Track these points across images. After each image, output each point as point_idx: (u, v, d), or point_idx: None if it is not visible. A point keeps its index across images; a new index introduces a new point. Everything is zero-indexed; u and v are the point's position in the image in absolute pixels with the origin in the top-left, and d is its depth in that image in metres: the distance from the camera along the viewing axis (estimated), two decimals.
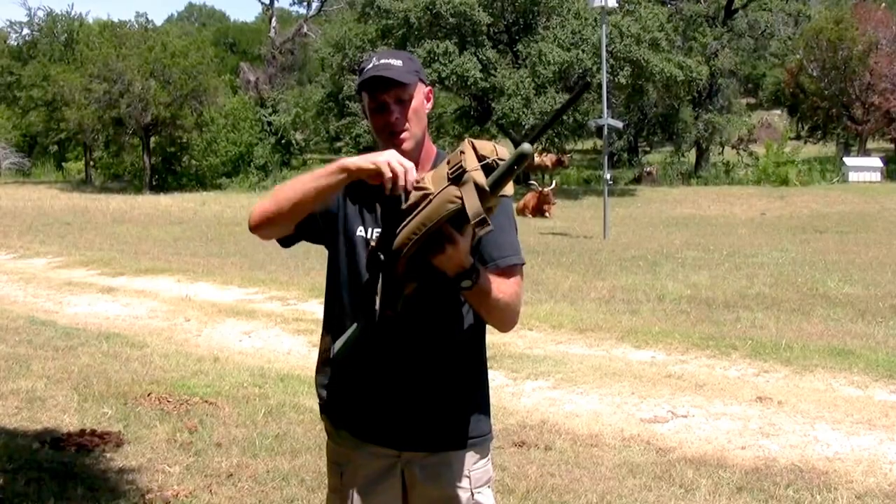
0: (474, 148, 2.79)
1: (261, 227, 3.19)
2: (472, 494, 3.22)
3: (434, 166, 3.11)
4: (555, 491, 5.82)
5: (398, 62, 3.10)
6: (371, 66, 3.11)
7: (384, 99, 3.10)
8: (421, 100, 3.16)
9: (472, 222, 2.72)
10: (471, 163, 2.76)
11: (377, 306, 2.96)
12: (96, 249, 19.88)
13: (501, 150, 2.80)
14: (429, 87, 3.22)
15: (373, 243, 3.00)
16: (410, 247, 2.80)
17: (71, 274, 16.29)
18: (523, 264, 3.13)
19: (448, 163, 2.79)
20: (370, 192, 3.10)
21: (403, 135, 3.14)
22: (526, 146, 2.70)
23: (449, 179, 2.76)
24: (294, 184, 3.14)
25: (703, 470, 6.12)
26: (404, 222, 2.82)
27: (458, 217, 2.74)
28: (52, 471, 6.11)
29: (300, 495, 5.78)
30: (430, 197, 2.78)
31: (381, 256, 2.90)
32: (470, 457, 3.23)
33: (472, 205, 2.72)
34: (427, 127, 3.22)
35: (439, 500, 3.22)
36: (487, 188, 2.73)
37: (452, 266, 2.82)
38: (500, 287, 2.99)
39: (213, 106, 46.83)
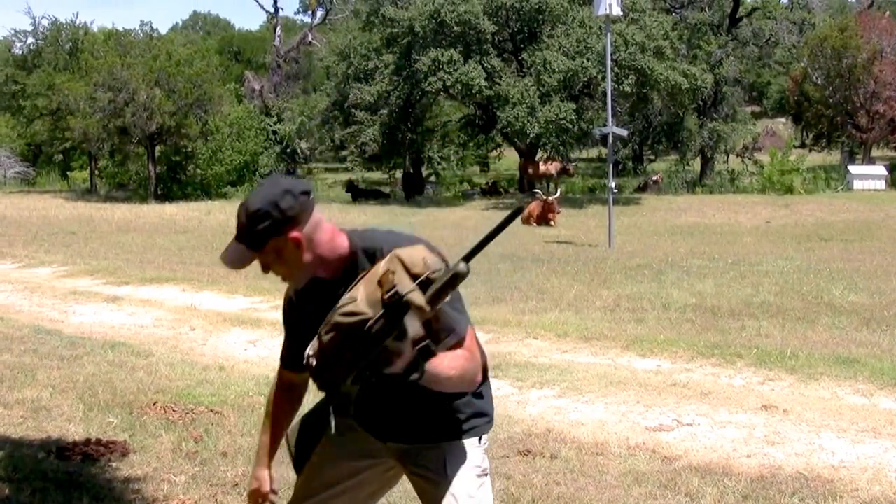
0: (404, 265, 2.82)
1: None
2: (461, 483, 3.31)
3: (352, 262, 3.20)
4: (560, 500, 5.82)
5: (234, 252, 3.13)
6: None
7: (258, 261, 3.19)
8: (286, 248, 3.12)
9: (416, 348, 2.80)
10: (405, 284, 2.80)
11: (332, 421, 3.20)
12: (101, 258, 19.91)
13: (431, 260, 2.85)
14: (294, 235, 3.11)
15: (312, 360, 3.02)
16: (355, 374, 2.87)
17: (76, 283, 16.30)
18: (464, 338, 3.13)
19: (380, 284, 2.83)
20: (309, 309, 3.25)
21: (287, 281, 3.31)
22: (461, 266, 2.77)
23: (384, 304, 2.80)
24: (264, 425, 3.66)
25: (709, 478, 6.11)
26: (341, 346, 2.88)
27: (400, 336, 2.78)
28: (57, 480, 6.11)
29: None
30: (370, 324, 2.81)
31: (323, 380, 2.98)
32: (460, 447, 3.34)
33: (416, 331, 2.79)
34: (321, 241, 3.19)
35: (429, 490, 3.34)
36: (427, 308, 2.78)
37: (398, 370, 2.84)
38: (450, 364, 3.02)
39: (218, 115, 46.89)
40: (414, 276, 2.80)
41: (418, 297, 2.77)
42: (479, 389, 3.36)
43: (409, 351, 2.80)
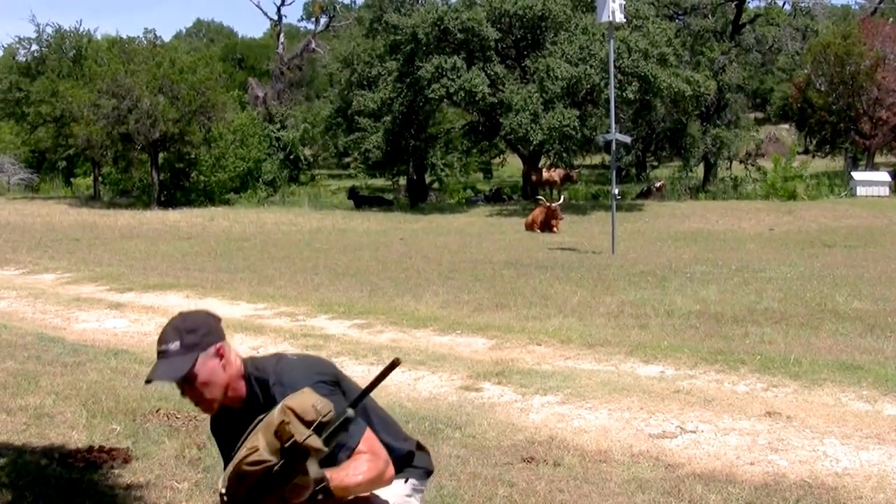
0: (296, 414, 3.10)
1: None
2: None
3: (248, 396, 3.56)
4: None
5: (174, 346, 3.43)
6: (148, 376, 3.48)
7: (177, 385, 3.47)
8: (210, 368, 3.47)
9: (316, 487, 3.14)
10: (301, 432, 3.08)
11: None
12: (105, 265, 19.91)
13: (321, 405, 3.13)
14: (219, 345, 3.53)
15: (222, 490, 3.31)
16: None
17: (79, 290, 16.31)
18: (357, 446, 3.39)
19: (277, 434, 3.09)
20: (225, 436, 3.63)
21: (205, 406, 3.55)
22: (349, 412, 3.17)
23: (284, 452, 3.09)
24: None
25: (713, 486, 6.10)
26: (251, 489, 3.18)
27: (302, 474, 3.14)
28: (60, 487, 6.11)
29: None
30: (275, 469, 3.11)
31: None
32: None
33: (316, 473, 3.13)
34: (231, 372, 3.60)
35: None
36: (325, 449, 3.13)
37: (304, 499, 3.16)
38: (355, 473, 3.29)
39: (222, 122, 46.92)
40: (307, 423, 3.08)
41: (315, 442, 3.08)
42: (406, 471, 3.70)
43: (311, 486, 3.14)
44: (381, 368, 3.24)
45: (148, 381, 3.48)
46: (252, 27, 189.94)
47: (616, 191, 24.38)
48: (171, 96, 44.06)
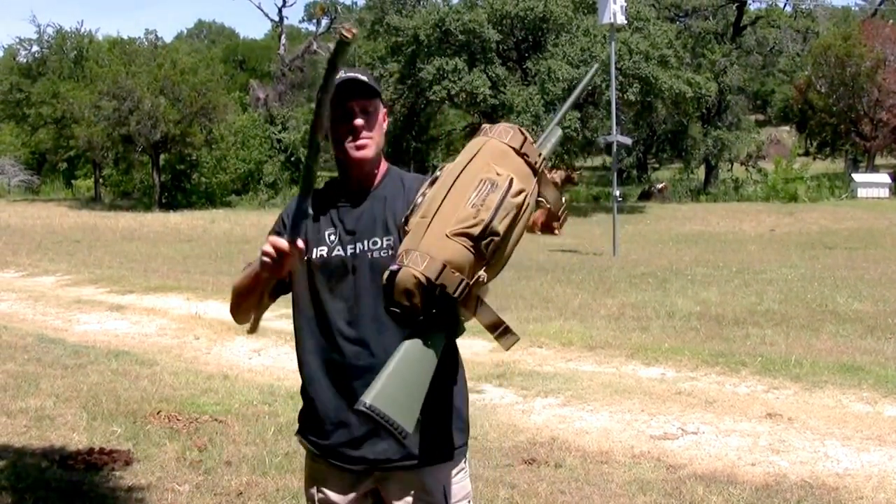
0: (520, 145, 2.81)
1: (240, 321, 3.30)
2: None
3: (383, 182, 3.19)
4: None
5: (365, 76, 3.09)
6: (340, 76, 3.04)
7: (351, 106, 3.06)
8: (382, 116, 3.17)
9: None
10: (537, 151, 2.86)
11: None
12: (105, 267, 19.92)
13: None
14: (385, 110, 3.22)
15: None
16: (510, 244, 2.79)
17: (80, 292, 16.30)
18: None
19: (527, 157, 2.80)
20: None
21: (366, 140, 3.10)
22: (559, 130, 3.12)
23: (535, 173, 2.84)
24: (238, 288, 3.21)
25: (714, 487, 6.10)
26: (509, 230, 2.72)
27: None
28: (60, 490, 6.11)
29: None
30: (528, 199, 2.82)
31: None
32: (444, 471, 3.15)
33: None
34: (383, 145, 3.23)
35: None
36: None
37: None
38: None
39: (223, 123, 46.90)
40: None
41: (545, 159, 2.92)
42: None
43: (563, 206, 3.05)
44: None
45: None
46: (253, 28, 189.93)
47: (617, 192, 24.40)
48: (172, 98, 44.07)
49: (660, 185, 47.00)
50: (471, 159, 2.75)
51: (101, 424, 7.64)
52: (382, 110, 3.17)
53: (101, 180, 53.99)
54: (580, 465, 6.60)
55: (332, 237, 3.11)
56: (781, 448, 6.93)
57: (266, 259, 2.88)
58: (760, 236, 28.62)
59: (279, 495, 6.01)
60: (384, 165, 3.25)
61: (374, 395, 2.59)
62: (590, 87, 38.44)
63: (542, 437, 7.33)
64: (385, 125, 3.22)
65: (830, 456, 6.73)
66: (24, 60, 54.01)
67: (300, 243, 2.86)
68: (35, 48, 53.97)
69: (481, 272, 2.65)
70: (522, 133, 2.79)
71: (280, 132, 53.65)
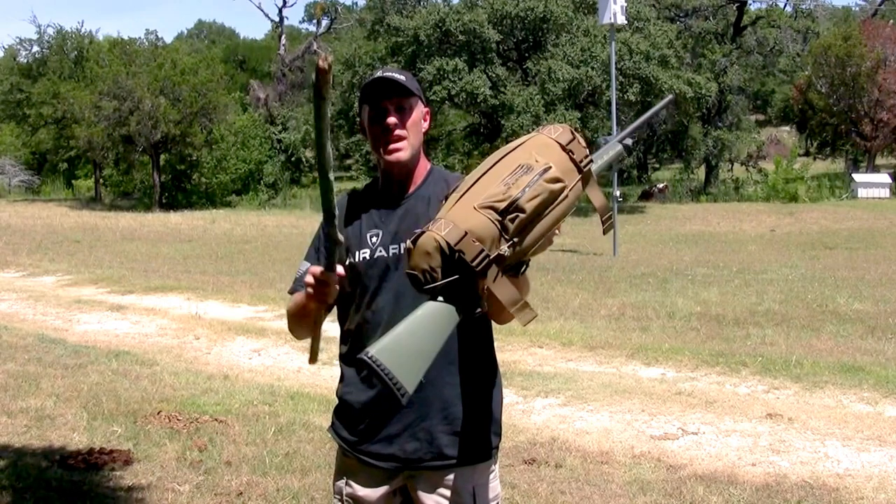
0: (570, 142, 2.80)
1: (300, 338, 3.33)
2: None
3: (426, 182, 3.17)
4: None
5: (401, 76, 3.08)
6: (375, 75, 3.08)
7: (385, 105, 3.06)
8: (420, 116, 3.15)
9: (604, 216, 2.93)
10: (585, 152, 2.80)
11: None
12: (106, 267, 19.91)
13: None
14: (427, 109, 3.22)
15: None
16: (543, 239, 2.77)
17: (80, 292, 16.30)
18: None
19: (572, 154, 2.76)
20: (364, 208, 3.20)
21: (400, 143, 3.09)
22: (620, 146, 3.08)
23: (580, 171, 2.78)
24: (291, 316, 3.27)
25: (714, 487, 6.10)
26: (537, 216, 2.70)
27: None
28: (60, 490, 6.11)
29: None
30: (566, 192, 2.76)
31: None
32: (476, 473, 3.13)
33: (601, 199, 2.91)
34: (422, 145, 3.21)
35: None
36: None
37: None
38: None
39: (223, 123, 46.89)
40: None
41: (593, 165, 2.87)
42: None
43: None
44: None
45: (367, 89, 3.07)
46: (253, 29, 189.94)
47: (618, 193, 24.40)
48: (172, 98, 44.01)
49: (660, 186, 47.00)
50: (514, 149, 2.78)
51: (101, 424, 7.64)
52: (423, 110, 3.18)
53: (101, 180, 53.97)
54: (580, 466, 6.60)
55: (374, 239, 3.14)
56: (782, 448, 6.93)
57: (310, 290, 2.89)
58: (761, 236, 28.61)
59: (279, 495, 6.01)
60: (426, 165, 3.26)
61: (379, 348, 2.60)
62: (590, 88, 38.49)
63: (542, 437, 7.33)
64: (426, 125, 3.21)
65: (831, 456, 6.73)
66: (25, 60, 53.96)
67: (340, 270, 2.87)
68: (35, 48, 53.96)
69: (504, 247, 2.64)
70: (572, 133, 2.80)
71: (280, 132, 53.70)
